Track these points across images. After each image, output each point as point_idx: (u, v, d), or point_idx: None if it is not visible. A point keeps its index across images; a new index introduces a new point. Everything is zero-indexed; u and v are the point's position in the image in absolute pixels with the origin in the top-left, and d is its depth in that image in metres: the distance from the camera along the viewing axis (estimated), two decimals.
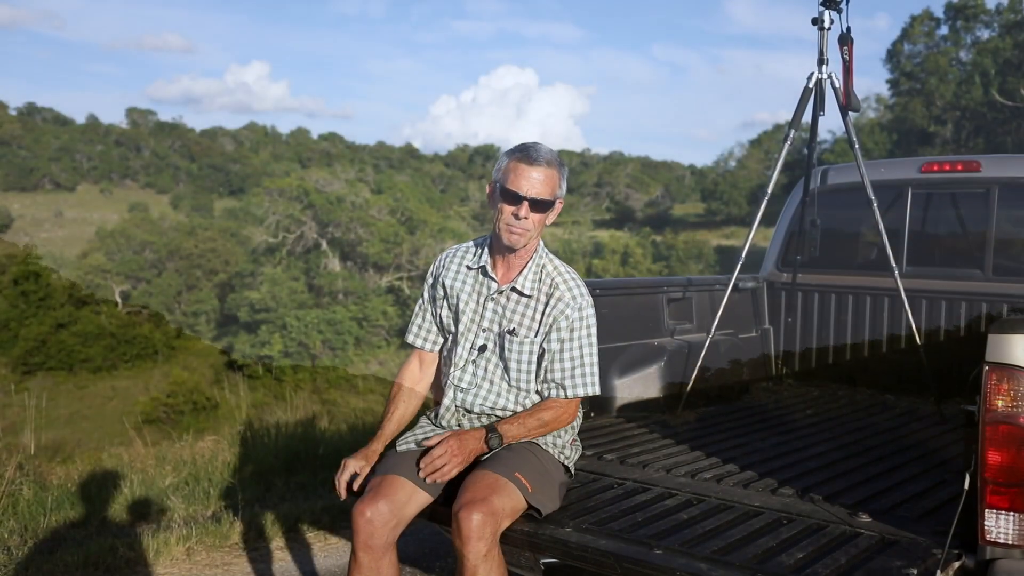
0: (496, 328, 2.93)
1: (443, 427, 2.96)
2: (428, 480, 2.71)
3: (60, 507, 4.91)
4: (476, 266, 2.98)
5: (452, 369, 2.97)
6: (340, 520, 4.86)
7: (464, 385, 2.95)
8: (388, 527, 2.68)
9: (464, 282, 3.00)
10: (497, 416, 2.94)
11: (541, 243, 2.95)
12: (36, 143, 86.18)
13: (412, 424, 3.08)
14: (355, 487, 2.89)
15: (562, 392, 2.88)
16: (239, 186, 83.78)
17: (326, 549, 4.61)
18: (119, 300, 49.46)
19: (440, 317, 3.06)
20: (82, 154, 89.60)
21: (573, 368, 2.88)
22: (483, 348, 2.95)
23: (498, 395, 2.94)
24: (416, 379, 3.11)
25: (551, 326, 2.87)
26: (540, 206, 2.79)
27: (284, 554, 4.52)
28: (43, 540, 4.51)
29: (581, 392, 2.89)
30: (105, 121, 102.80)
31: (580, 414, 3.06)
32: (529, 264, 2.90)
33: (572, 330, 2.88)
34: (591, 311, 2.93)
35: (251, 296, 43.69)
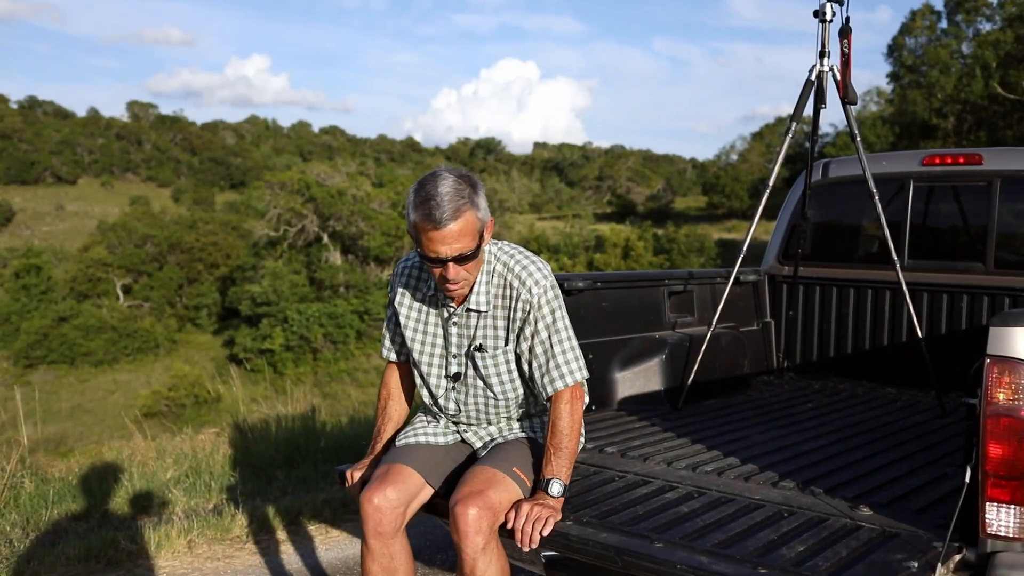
0: (464, 350, 2.83)
1: (441, 430, 2.96)
2: (529, 546, 2.54)
3: (62, 500, 4.92)
4: (429, 293, 2.85)
5: (434, 398, 2.93)
6: (342, 513, 4.87)
7: (451, 412, 2.93)
8: (396, 513, 2.69)
9: (420, 310, 2.89)
10: (492, 421, 2.93)
11: (487, 248, 2.75)
12: (37, 136, 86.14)
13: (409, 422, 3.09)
14: (354, 481, 2.91)
15: (557, 385, 2.74)
16: (240, 179, 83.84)
17: (327, 542, 4.61)
18: (120, 294, 49.52)
19: (404, 337, 2.96)
20: (83, 147, 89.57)
21: (548, 361, 2.74)
22: (457, 376, 2.86)
23: (486, 413, 2.91)
24: (400, 388, 3.10)
25: (519, 331, 2.76)
26: (466, 259, 2.59)
27: (286, 547, 4.53)
28: (45, 533, 4.52)
29: (561, 384, 2.74)
30: (106, 114, 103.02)
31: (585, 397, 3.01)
32: (479, 278, 2.74)
33: (535, 322, 2.73)
34: (551, 295, 2.75)
35: (252, 290, 43.70)
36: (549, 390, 2.75)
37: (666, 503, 2.78)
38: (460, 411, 2.91)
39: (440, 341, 2.87)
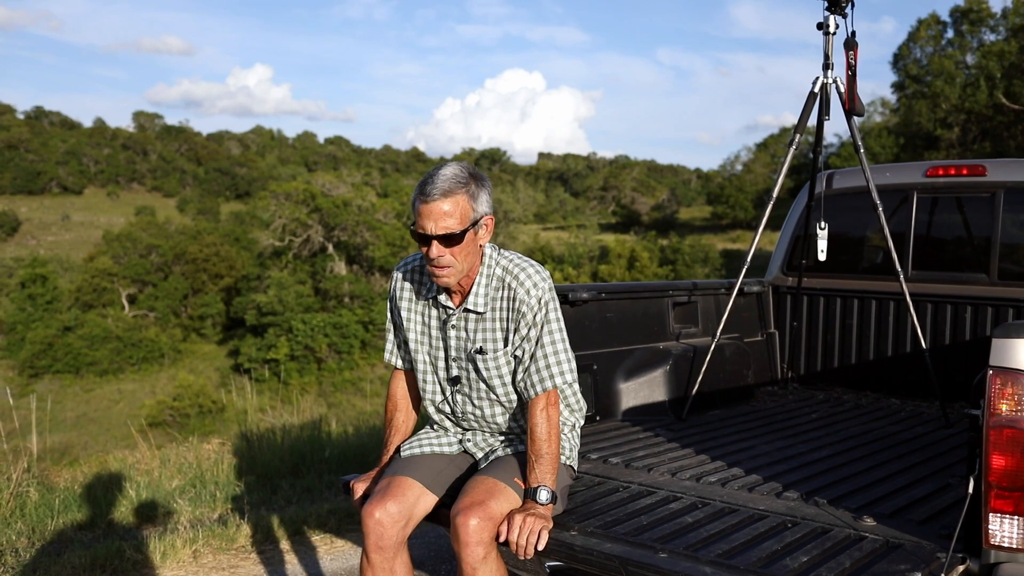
0: (463, 354, 2.84)
1: (447, 439, 2.97)
2: (524, 557, 2.52)
3: (67, 509, 4.94)
4: (428, 296, 2.87)
5: (436, 403, 2.94)
6: (346, 523, 4.88)
7: (457, 416, 2.93)
8: (398, 527, 2.70)
9: (420, 312, 2.91)
10: (494, 428, 2.93)
11: (488, 250, 2.78)
12: (44, 147, 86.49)
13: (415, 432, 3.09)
14: (358, 495, 2.91)
15: (535, 390, 2.74)
16: (245, 190, 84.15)
17: (332, 552, 4.62)
18: (125, 303, 49.60)
19: (406, 342, 2.98)
20: (89, 157, 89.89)
21: (539, 365, 2.74)
22: (456, 380, 2.88)
23: (492, 416, 2.90)
24: (407, 398, 3.09)
25: (515, 331, 2.76)
26: (450, 240, 2.61)
27: (290, 557, 4.53)
28: (50, 542, 4.53)
29: (551, 385, 2.74)
30: (112, 125, 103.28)
31: (581, 403, 2.94)
32: (478, 279, 2.77)
33: (532, 326, 2.74)
34: (549, 297, 2.76)
35: (257, 299, 43.74)
36: (531, 392, 2.75)
37: (670, 513, 2.78)
38: (462, 416, 2.91)
39: (440, 344, 2.88)
